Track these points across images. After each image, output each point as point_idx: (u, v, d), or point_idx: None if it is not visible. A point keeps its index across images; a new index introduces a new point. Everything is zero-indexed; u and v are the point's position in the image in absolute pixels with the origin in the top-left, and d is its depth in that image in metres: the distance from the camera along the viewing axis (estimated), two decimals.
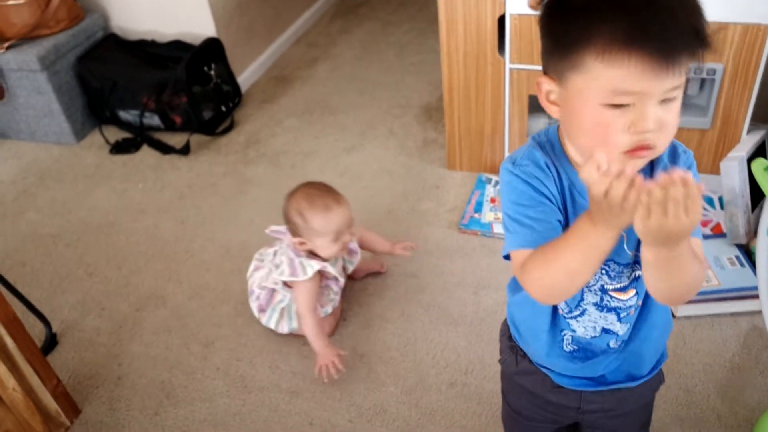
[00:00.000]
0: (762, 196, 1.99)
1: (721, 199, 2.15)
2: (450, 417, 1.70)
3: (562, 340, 1.07)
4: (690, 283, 0.88)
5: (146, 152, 2.79)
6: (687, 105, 2.08)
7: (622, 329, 1.04)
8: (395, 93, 2.95)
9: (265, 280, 1.88)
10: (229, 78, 2.91)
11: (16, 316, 1.63)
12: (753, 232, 1.94)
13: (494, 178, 2.35)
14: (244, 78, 3.07)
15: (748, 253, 1.93)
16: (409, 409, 1.73)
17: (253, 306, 1.94)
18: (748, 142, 1.97)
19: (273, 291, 1.90)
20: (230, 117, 2.88)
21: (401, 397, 1.76)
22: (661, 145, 0.86)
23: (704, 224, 2.09)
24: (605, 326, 1.04)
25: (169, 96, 2.75)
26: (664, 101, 0.82)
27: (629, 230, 0.82)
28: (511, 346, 1.18)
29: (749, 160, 1.91)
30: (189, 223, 2.41)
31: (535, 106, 2.24)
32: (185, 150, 2.72)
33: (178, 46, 2.86)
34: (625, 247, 0.97)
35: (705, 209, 2.14)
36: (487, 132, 2.32)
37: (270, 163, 2.64)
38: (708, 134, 2.09)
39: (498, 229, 2.15)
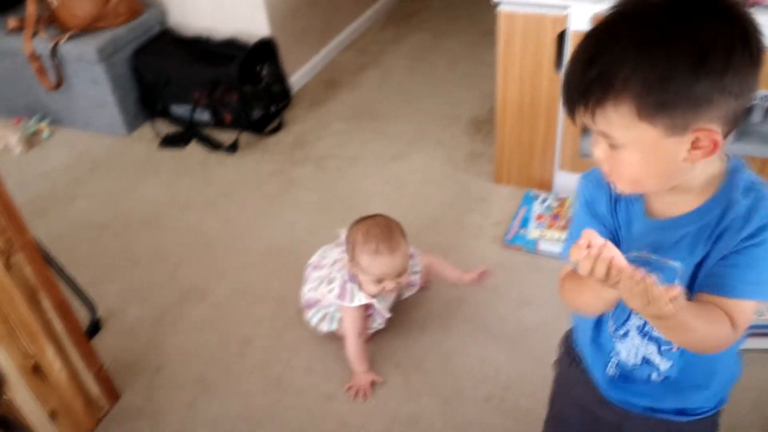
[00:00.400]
0: None
1: None
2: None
3: (608, 361, 1.07)
4: (703, 341, 0.88)
5: (195, 148, 2.83)
6: (749, 132, 2.04)
7: (663, 364, 1.01)
8: (444, 104, 2.95)
9: (316, 289, 1.88)
10: (280, 79, 2.94)
11: (66, 301, 1.67)
12: None
13: (542, 194, 2.33)
14: (295, 80, 3.10)
15: None
16: (444, 421, 1.72)
17: (303, 299, 1.93)
18: None
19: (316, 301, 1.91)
20: (279, 117, 2.91)
21: (436, 408, 1.75)
22: (619, 186, 0.90)
23: None
24: (646, 355, 1.02)
25: (221, 93, 2.79)
26: (612, 146, 0.85)
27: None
28: (569, 351, 1.18)
29: None
30: (233, 221, 2.44)
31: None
32: (233, 148, 2.75)
33: (232, 44, 2.89)
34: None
35: None
36: (538, 148, 2.31)
37: (316, 165, 2.66)
38: None
39: (543, 246, 2.13)
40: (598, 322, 1.05)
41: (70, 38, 2.76)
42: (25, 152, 2.93)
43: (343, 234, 1.89)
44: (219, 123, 2.87)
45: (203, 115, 2.88)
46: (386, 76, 3.22)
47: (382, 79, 3.20)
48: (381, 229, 1.76)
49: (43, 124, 3.02)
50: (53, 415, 1.66)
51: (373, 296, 1.79)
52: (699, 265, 0.91)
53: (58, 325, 1.64)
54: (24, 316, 1.54)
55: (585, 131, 2.23)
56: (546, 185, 2.38)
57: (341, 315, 1.84)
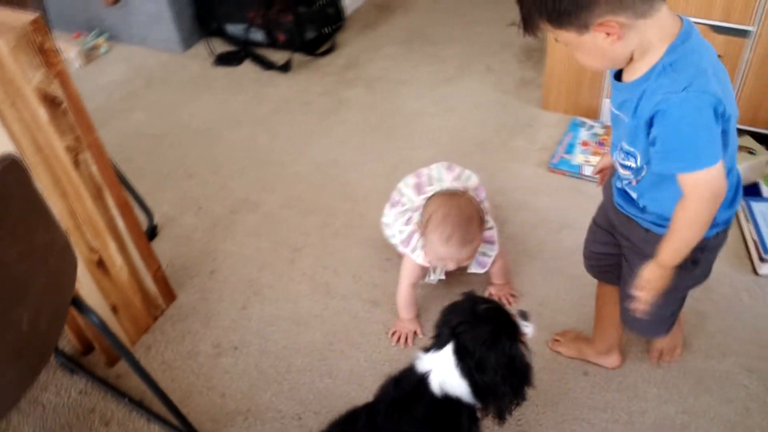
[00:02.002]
0: None
1: None
2: None
3: (618, 178, 1.32)
4: (696, 231, 1.16)
5: (248, 66, 2.89)
6: None
7: (633, 193, 1.29)
8: (497, 30, 2.93)
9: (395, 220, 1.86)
10: (334, 1, 2.95)
11: (128, 202, 1.77)
12: None
13: (588, 122, 2.34)
14: (348, 2, 3.11)
15: None
16: None
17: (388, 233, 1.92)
18: None
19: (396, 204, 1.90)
20: (331, 39, 2.94)
21: None
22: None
23: None
24: (624, 187, 1.30)
25: (275, 13, 2.82)
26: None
27: (627, 129, 1.15)
28: (611, 173, 1.42)
29: None
30: (283, 137, 2.50)
31: None
32: (286, 67, 2.80)
33: None
34: (623, 139, 1.19)
35: None
36: (586, 76, 2.30)
37: (366, 87, 2.70)
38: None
39: (587, 171, 2.15)
40: None
41: None
42: (84, 66, 3.02)
43: (424, 175, 1.88)
44: (272, 43, 2.91)
45: (257, 35, 2.92)
46: (439, 0, 3.20)
47: (435, 3, 3.19)
48: (461, 217, 1.66)
49: (101, 39, 3.10)
50: (114, 310, 1.78)
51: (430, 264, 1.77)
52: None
53: (121, 224, 1.74)
54: (90, 212, 1.64)
55: None
56: (593, 113, 2.38)
57: (403, 261, 1.81)
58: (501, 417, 1.22)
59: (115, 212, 1.72)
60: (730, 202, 1.23)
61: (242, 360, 1.80)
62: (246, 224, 2.18)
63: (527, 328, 1.26)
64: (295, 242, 2.10)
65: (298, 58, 2.86)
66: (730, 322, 1.76)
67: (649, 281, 1.24)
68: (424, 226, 1.70)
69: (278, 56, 2.87)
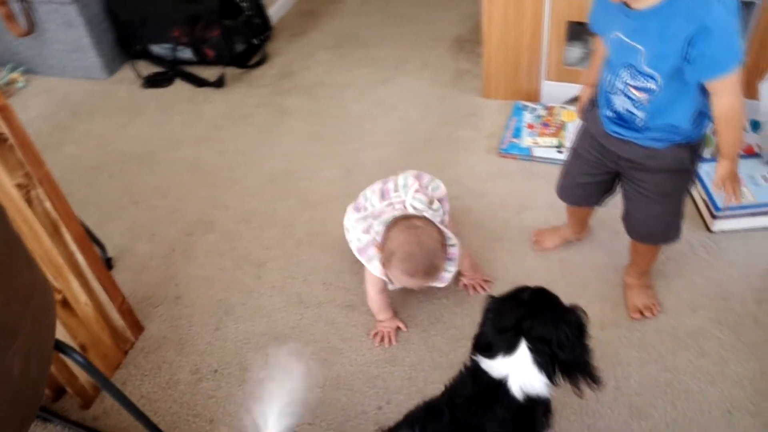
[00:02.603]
0: None
1: (753, 123, 2.20)
2: None
3: (609, 108, 1.47)
4: (737, 126, 1.33)
5: (179, 86, 2.82)
6: None
7: (640, 113, 1.40)
8: (426, 26, 2.97)
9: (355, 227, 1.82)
10: (260, 11, 2.92)
11: (85, 234, 1.70)
12: None
13: (530, 105, 2.40)
14: (273, 11, 3.08)
15: None
16: (462, 318, 1.81)
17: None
18: None
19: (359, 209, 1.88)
20: (262, 50, 2.90)
21: (454, 309, 1.84)
22: None
23: None
24: (628, 108, 1.42)
25: (201, 29, 2.76)
26: None
27: (649, 52, 1.27)
28: (592, 100, 1.56)
29: None
30: (229, 152, 2.46)
31: (572, 34, 2.27)
32: (220, 83, 2.74)
33: None
34: (643, 63, 1.30)
35: None
36: (524, 60, 2.36)
37: (305, 94, 2.68)
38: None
39: (537, 152, 2.21)
40: (603, 80, 1.46)
41: None
42: None
43: (391, 181, 1.84)
44: (201, 60, 2.85)
45: (185, 53, 2.85)
46: (365, 2, 3.22)
47: (361, 5, 3.20)
48: (424, 254, 1.60)
49: (17, 74, 2.97)
50: (83, 348, 1.70)
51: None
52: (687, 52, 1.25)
53: (81, 258, 1.67)
54: (48, 250, 1.57)
55: (569, 40, 2.28)
56: (533, 96, 2.44)
57: (365, 272, 1.78)
58: (597, 382, 1.22)
59: (73, 247, 1.64)
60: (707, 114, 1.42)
61: (225, 382, 1.75)
62: (204, 245, 2.12)
63: None
64: (258, 257, 2.06)
65: (230, 72, 2.81)
66: (693, 279, 1.84)
67: (723, 177, 1.42)
68: (386, 258, 1.64)
69: (209, 72, 2.82)
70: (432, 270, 1.63)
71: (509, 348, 1.19)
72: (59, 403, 1.75)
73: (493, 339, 1.22)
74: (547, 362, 1.18)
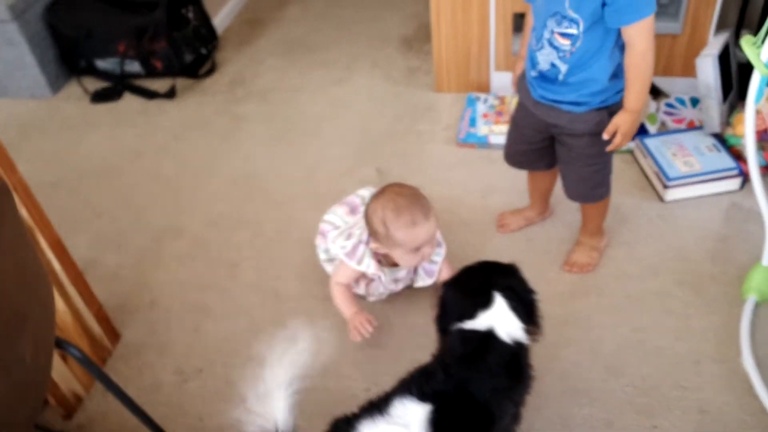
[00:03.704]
0: (730, 90, 2.20)
1: (692, 99, 2.35)
2: None
3: (533, 68, 1.61)
4: (647, 74, 1.49)
5: (130, 99, 2.80)
6: (659, 13, 2.25)
7: (562, 66, 1.54)
8: (372, 28, 3.04)
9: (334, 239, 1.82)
10: (206, 20, 2.93)
11: (60, 241, 1.68)
12: (726, 122, 2.15)
13: (482, 95, 2.49)
14: (218, 21, 3.10)
15: (722, 141, 2.14)
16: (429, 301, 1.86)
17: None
18: (716, 42, 2.16)
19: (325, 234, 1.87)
20: (210, 59, 2.91)
21: (430, 290, 1.89)
22: None
23: (679, 121, 2.28)
24: (552, 60, 1.54)
25: (148, 41, 2.75)
26: None
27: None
28: (522, 74, 1.71)
29: (720, 57, 2.10)
30: (189, 161, 2.45)
31: (518, 26, 2.38)
32: (171, 93, 2.74)
33: None
34: (567, 7, 1.44)
35: (676, 108, 2.34)
36: (474, 53, 2.45)
37: (260, 99, 2.70)
38: (679, 39, 2.27)
39: (494, 139, 2.29)
40: (530, 42, 1.61)
41: None
42: None
43: (358, 197, 1.88)
44: (150, 72, 2.84)
45: (132, 66, 2.83)
46: (308, 8, 3.27)
47: (304, 11, 3.25)
48: (408, 198, 1.65)
49: None
50: (63, 358, 1.68)
51: (405, 267, 1.77)
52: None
53: (57, 266, 1.65)
54: None
55: (515, 32, 2.39)
56: (484, 87, 2.53)
57: (338, 266, 1.80)
58: (539, 324, 1.37)
59: (50, 254, 1.63)
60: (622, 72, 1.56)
61: (210, 380, 1.75)
62: (174, 251, 2.12)
63: None
64: (230, 258, 2.07)
65: (181, 82, 2.81)
66: (653, 245, 1.95)
67: (619, 126, 1.55)
68: (382, 231, 1.64)
69: (159, 84, 2.81)
70: (425, 209, 1.64)
71: (486, 303, 1.30)
72: (42, 416, 1.71)
73: (466, 304, 1.33)
74: (519, 307, 1.31)
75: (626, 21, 1.42)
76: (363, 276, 1.79)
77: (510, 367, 1.27)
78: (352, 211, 1.87)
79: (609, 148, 1.62)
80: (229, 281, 1.99)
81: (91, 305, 1.78)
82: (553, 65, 1.55)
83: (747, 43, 1.56)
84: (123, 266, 2.08)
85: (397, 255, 1.68)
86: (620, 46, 1.50)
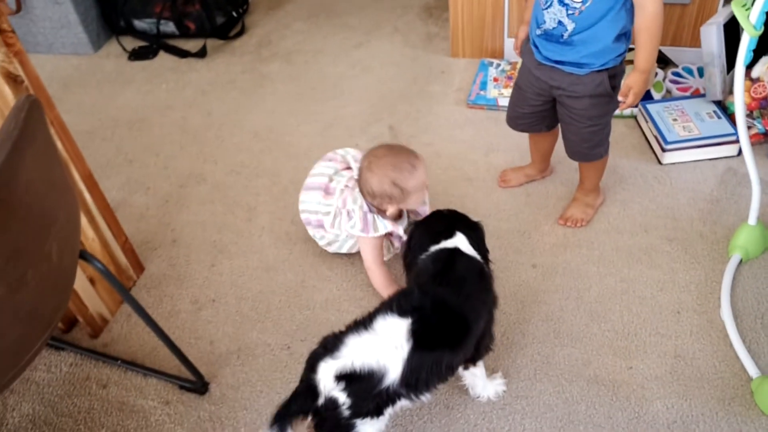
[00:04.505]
0: (735, 59, 2.25)
1: (699, 69, 2.41)
2: None
3: (539, 26, 1.70)
4: (657, 29, 1.57)
5: (164, 57, 2.96)
6: None
7: (569, 25, 1.62)
8: None
9: (318, 212, 1.91)
10: None
11: (91, 174, 1.84)
12: (728, 90, 2.21)
13: (495, 61, 2.58)
14: None
15: (723, 108, 2.20)
16: None
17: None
18: (723, 12, 2.22)
19: (320, 225, 1.93)
20: (240, 22, 3.05)
21: None
22: None
23: (685, 90, 2.35)
24: (560, 18, 1.62)
25: (182, 3, 2.91)
26: None
27: None
28: (527, 38, 1.81)
29: (726, 26, 2.16)
30: (215, 114, 2.61)
31: None
32: (202, 53, 2.89)
33: None
34: None
35: (683, 77, 2.40)
36: (488, 19, 2.54)
37: (284, 60, 2.84)
38: (688, 9, 2.34)
39: (502, 102, 2.39)
40: (536, 2, 1.69)
41: None
42: None
43: (334, 155, 2.00)
44: (184, 33, 2.99)
45: (168, 27, 2.99)
46: None
47: None
48: (393, 152, 1.78)
49: None
50: (92, 281, 1.85)
51: (417, 207, 1.90)
52: None
53: (88, 197, 1.81)
54: None
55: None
56: (498, 53, 2.62)
57: (360, 247, 1.88)
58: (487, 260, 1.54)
59: (82, 186, 1.79)
60: (627, 37, 1.66)
61: (222, 309, 1.90)
62: (197, 195, 2.27)
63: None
64: (248, 203, 2.22)
65: (211, 43, 2.97)
66: (647, 204, 2.04)
67: (631, 86, 1.65)
68: (398, 196, 1.76)
69: (191, 44, 2.97)
70: (408, 150, 1.80)
71: (448, 235, 1.48)
72: (71, 334, 1.89)
73: (432, 237, 1.50)
74: (476, 245, 1.48)
75: None
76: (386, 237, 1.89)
77: (478, 275, 1.42)
78: (327, 192, 1.91)
79: (622, 107, 1.70)
80: (245, 223, 2.14)
81: (119, 237, 1.94)
82: (560, 23, 1.63)
83: (737, 4, 1.63)
84: (149, 207, 2.25)
85: (412, 201, 1.81)
86: (627, 9, 1.58)
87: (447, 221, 1.55)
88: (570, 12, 1.60)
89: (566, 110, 1.80)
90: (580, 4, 1.58)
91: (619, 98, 1.70)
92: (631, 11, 1.58)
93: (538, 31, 1.71)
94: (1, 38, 1.51)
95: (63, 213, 1.18)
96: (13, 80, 1.54)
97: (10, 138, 0.99)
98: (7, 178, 0.97)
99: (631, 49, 1.66)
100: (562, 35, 1.65)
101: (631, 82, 1.65)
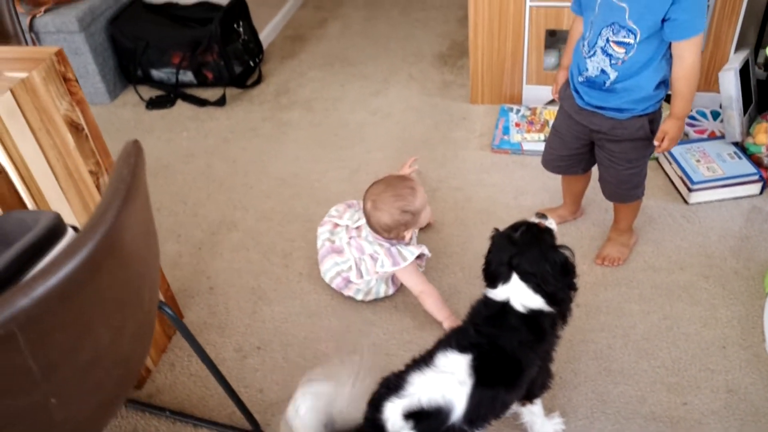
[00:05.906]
0: (749, 103, 2.35)
1: (713, 113, 2.50)
2: None
3: (581, 74, 1.76)
4: (692, 83, 1.65)
5: (182, 106, 2.98)
6: None
7: (612, 74, 1.68)
8: (407, 45, 3.23)
9: (341, 273, 1.97)
10: (255, 35, 3.12)
11: None
12: (746, 131, 2.30)
13: (515, 107, 2.65)
14: (263, 36, 3.29)
15: (743, 149, 2.29)
16: (477, 288, 2.00)
17: (331, 282, 2.03)
18: (737, 58, 2.33)
19: (348, 281, 1.98)
20: (257, 71, 3.10)
21: (470, 280, 2.03)
22: None
23: (701, 132, 2.43)
24: (603, 67, 1.69)
25: (201, 53, 2.94)
26: None
27: (632, 9, 1.55)
28: (567, 82, 1.86)
29: (740, 73, 2.26)
30: (240, 162, 2.62)
31: (549, 43, 2.55)
32: (222, 101, 2.92)
33: (202, 6, 3.05)
34: (627, 17, 1.58)
35: (698, 120, 2.49)
36: (507, 67, 2.62)
37: (303, 108, 2.88)
38: (701, 56, 2.43)
39: (526, 146, 2.45)
40: (578, 50, 1.76)
41: (46, 11, 2.84)
42: None
43: (322, 221, 2.09)
44: (202, 82, 3.02)
45: (185, 76, 3.02)
46: (346, 26, 3.47)
47: (343, 30, 3.45)
48: (389, 183, 1.92)
49: None
50: None
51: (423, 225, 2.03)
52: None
53: None
54: None
55: (547, 48, 2.56)
56: (516, 99, 2.70)
57: (402, 280, 1.95)
58: (564, 320, 1.46)
59: None
60: (666, 84, 1.72)
61: (268, 357, 1.89)
62: (230, 242, 2.27)
63: (552, 224, 1.52)
64: (283, 248, 2.22)
65: (229, 91, 3.00)
66: (679, 243, 2.09)
67: (666, 131, 1.71)
68: (410, 219, 1.88)
69: (209, 93, 2.99)
70: (401, 175, 1.99)
71: (506, 279, 1.42)
72: None
73: (495, 270, 1.45)
74: (539, 288, 1.39)
75: (682, 36, 1.57)
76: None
77: (530, 327, 1.40)
78: (338, 252, 2.00)
79: (657, 150, 1.76)
80: (282, 269, 2.15)
81: (161, 284, 1.93)
82: (603, 71, 1.69)
83: None
84: (182, 255, 2.24)
85: (423, 218, 1.94)
86: (667, 58, 1.64)
87: (511, 255, 1.41)
88: (613, 62, 1.66)
89: (606, 153, 1.85)
90: (623, 54, 1.64)
91: (654, 142, 1.76)
92: (670, 60, 1.65)
93: (580, 78, 1.76)
94: (66, 87, 1.52)
95: (152, 260, 1.19)
96: (75, 128, 1.55)
97: (125, 184, 1.00)
98: (121, 225, 0.98)
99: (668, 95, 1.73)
100: (605, 83, 1.71)
101: (667, 128, 1.71)
